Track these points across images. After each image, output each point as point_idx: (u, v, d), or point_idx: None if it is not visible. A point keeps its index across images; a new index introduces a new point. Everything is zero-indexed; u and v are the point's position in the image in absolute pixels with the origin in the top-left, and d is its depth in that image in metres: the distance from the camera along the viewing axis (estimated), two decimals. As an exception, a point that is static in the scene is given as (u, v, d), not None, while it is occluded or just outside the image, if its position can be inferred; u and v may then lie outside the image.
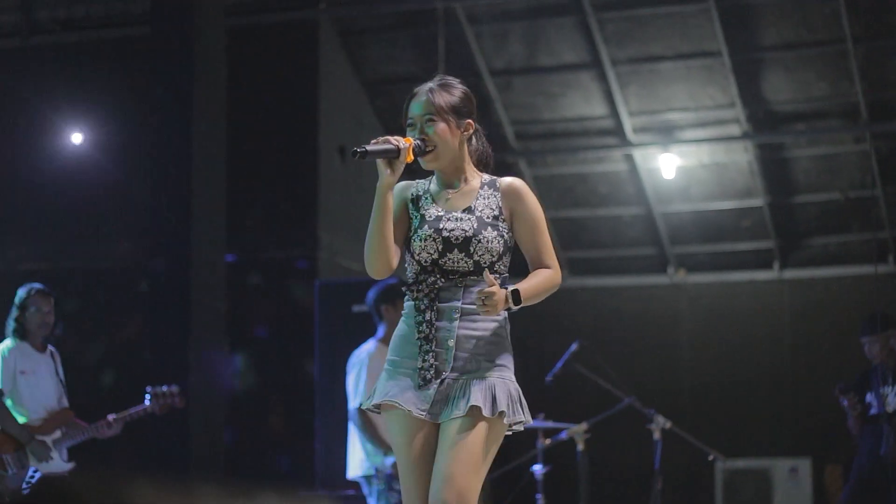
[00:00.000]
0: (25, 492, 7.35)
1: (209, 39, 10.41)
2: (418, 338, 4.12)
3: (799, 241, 12.88)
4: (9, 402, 7.41)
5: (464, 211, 4.19)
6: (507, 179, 4.26)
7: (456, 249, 4.14)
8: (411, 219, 4.26)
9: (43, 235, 11.84)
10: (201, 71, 10.31)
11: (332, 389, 8.93)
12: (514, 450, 8.63)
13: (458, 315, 4.12)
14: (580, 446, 8.31)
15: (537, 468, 8.46)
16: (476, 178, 4.28)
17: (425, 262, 4.16)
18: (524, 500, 9.06)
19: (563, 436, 8.30)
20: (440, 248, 4.15)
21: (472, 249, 4.13)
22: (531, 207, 4.23)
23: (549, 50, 11.99)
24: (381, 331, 7.82)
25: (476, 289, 4.11)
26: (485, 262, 4.14)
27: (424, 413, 4.09)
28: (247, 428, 11.24)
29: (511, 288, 4.09)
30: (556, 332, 11.66)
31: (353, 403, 7.72)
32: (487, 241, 4.14)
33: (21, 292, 7.62)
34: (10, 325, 7.58)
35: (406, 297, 4.20)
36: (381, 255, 4.15)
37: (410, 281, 4.20)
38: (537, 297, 4.19)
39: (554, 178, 12.88)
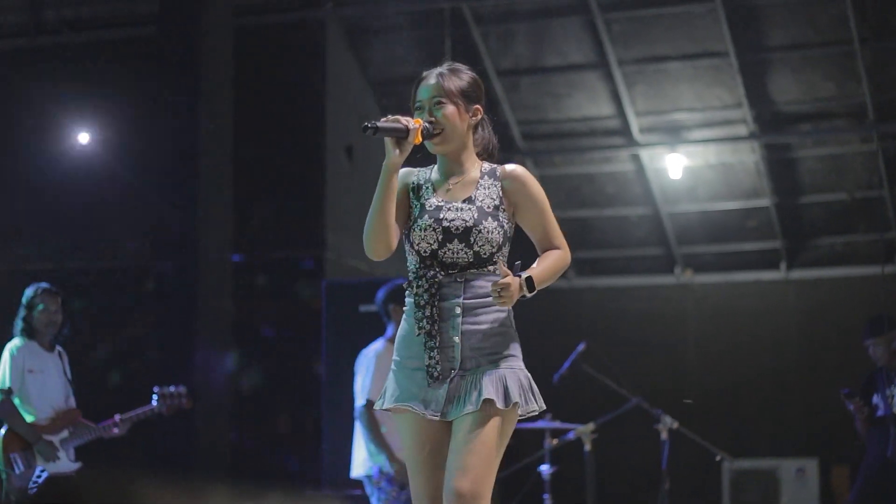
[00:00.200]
0: (32, 491, 7.36)
1: (216, 39, 10.43)
2: (419, 334, 4.09)
3: (805, 242, 12.87)
4: (17, 401, 7.43)
5: (464, 201, 4.17)
6: (508, 167, 4.24)
7: (456, 240, 4.11)
8: (412, 206, 4.24)
9: (50, 235, 11.85)
10: (208, 71, 10.33)
11: (340, 389, 8.92)
12: (521, 450, 8.63)
13: (461, 311, 4.09)
14: (587, 446, 8.30)
15: (545, 468, 8.46)
16: (477, 167, 4.26)
17: (425, 252, 4.14)
18: (531, 500, 9.06)
19: (571, 436, 8.29)
20: (440, 238, 4.13)
21: (472, 240, 4.11)
22: (534, 193, 4.22)
23: (555, 50, 11.99)
24: (389, 330, 7.82)
25: (477, 283, 4.10)
26: (484, 253, 4.11)
27: (437, 415, 4.07)
28: (254, 428, 11.25)
29: (524, 275, 4.07)
30: (563, 332, 11.64)
31: (359, 401, 7.72)
32: (488, 232, 4.11)
33: (28, 291, 7.65)
34: (18, 324, 7.60)
35: (407, 293, 4.18)
36: (382, 235, 4.13)
37: (410, 276, 4.17)
38: (550, 280, 4.17)
39: (561, 178, 12.88)
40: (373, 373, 7.62)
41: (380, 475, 7.66)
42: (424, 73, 4.30)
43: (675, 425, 8.11)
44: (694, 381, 12.69)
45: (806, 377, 12.44)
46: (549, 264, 4.17)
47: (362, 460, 7.79)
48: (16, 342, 7.54)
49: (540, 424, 8.31)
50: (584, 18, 11.62)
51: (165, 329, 10.06)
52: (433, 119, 4.20)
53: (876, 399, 8.14)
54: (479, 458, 4.00)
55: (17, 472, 7.36)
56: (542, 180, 12.82)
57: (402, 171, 4.23)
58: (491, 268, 4.12)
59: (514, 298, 4.03)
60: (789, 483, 11.56)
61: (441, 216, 4.15)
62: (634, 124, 12.16)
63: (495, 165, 4.27)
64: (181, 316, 9.94)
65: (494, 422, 4.03)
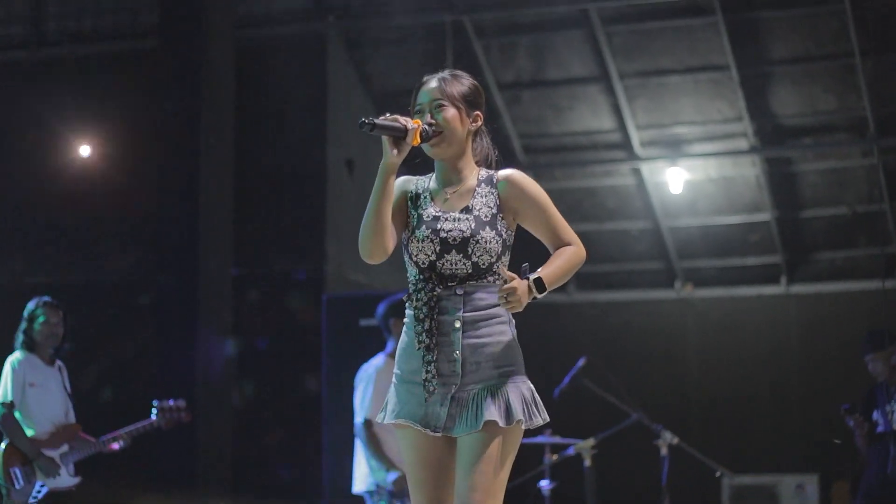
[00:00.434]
0: (32, 506, 7.36)
1: (218, 52, 10.44)
2: (419, 348, 4.05)
3: (806, 256, 12.86)
4: (18, 415, 7.42)
5: (461, 211, 4.13)
6: (503, 173, 4.20)
7: (454, 250, 4.08)
8: (409, 216, 4.20)
9: (50, 249, 11.84)
10: (209, 84, 10.34)
11: (340, 403, 8.91)
12: (521, 465, 8.60)
13: (461, 326, 4.05)
14: (587, 462, 8.27)
15: (544, 484, 8.45)
16: (474, 174, 4.21)
17: (423, 263, 4.10)
18: (531, 515, 9.04)
19: (571, 451, 8.27)
20: (437, 249, 4.09)
21: (469, 250, 4.07)
22: (533, 194, 4.18)
23: (556, 63, 12.00)
24: (389, 345, 7.79)
25: (476, 295, 4.07)
26: (483, 264, 4.07)
27: (438, 432, 4.05)
28: (254, 442, 11.23)
29: (532, 277, 4.02)
30: (564, 346, 11.64)
31: (359, 418, 7.71)
32: (486, 242, 4.07)
33: (30, 305, 7.65)
34: (19, 337, 7.59)
35: (407, 305, 4.14)
36: (378, 237, 4.08)
37: (410, 288, 4.14)
38: (563, 279, 4.12)
39: (562, 192, 12.87)
40: (372, 391, 7.59)
41: (379, 491, 7.64)
42: (425, 78, 4.26)
43: (676, 441, 8.10)
44: (694, 396, 12.67)
45: (806, 392, 12.43)
46: (559, 262, 4.12)
47: (363, 476, 7.78)
48: (17, 355, 7.53)
49: (540, 440, 8.30)
50: (586, 32, 11.64)
51: (165, 343, 10.05)
52: (433, 121, 4.15)
53: (876, 415, 8.14)
54: (486, 476, 3.99)
55: (17, 486, 7.34)
56: (543, 194, 12.85)
57: (401, 178, 4.21)
58: (491, 279, 4.09)
59: (522, 302, 3.97)
60: (789, 499, 11.53)
61: (438, 227, 4.11)
62: (635, 138, 12.17)
63: (492, 172, 4.23)
64: (181, 329, 9.93)
65: (499, 441, 4.01)
